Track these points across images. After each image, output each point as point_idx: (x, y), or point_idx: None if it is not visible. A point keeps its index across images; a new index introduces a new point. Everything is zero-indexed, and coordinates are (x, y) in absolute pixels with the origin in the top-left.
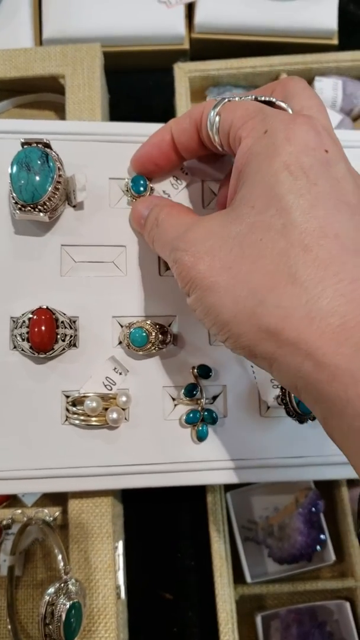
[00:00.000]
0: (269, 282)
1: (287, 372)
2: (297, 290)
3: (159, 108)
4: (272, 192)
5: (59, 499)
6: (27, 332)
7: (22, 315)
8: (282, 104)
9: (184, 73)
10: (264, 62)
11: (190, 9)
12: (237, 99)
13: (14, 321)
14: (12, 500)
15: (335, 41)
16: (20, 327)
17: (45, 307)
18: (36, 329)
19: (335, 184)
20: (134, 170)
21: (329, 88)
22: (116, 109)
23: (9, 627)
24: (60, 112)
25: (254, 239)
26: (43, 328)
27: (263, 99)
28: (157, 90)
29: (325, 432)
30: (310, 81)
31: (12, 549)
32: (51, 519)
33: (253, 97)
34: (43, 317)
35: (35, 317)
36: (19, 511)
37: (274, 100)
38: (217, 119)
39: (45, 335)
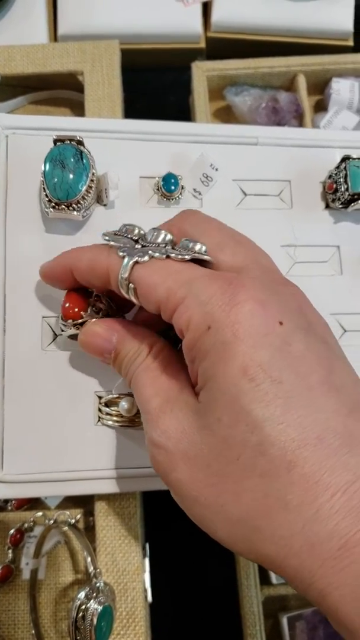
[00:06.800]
0: (260, 507)
1: (294, 587)
2: (291, 516)
3: (173, 106)
4: (236, 404)
5: (80, 501)
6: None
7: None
8: (206, 257)
9: (202, 72)
10: (282, 63)
11: (206, 8)
12: (146, 258)
13: (47, 323)
14: (33, 503)
15: (350, 42)
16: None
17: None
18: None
19: (301, 365)
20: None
21: (346, 89)
22: (130, 107)
23: (33, 631)
24: (76, 109)
25: (231, 456)
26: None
27: (180, 257)
28: (172, 88)
29: None
30: (326, 82)
31: (35, 551)
32: (73, 521)
33: (164, 250)
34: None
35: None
36: (40, 514)
37: (192, 257)
38: (131, 286)
39: (74, 301)
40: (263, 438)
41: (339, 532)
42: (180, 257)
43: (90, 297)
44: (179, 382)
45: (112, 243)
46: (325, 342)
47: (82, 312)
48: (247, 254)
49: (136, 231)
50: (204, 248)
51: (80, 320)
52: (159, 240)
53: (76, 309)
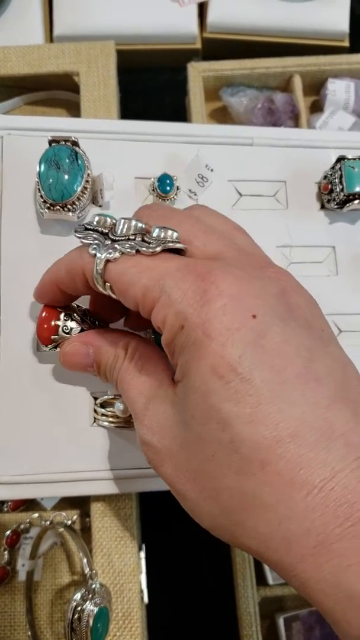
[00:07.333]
0: (237, 503)
1: (279, 575)
2: (267, 514)
3: (169, 107)
4: (207, 402)
5: (77, 502)
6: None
7: None
8: (178, 245)
9: (197, 72)
10: (278, 63)
11: (202, 9)
12: (117, 254)
13: None
14: (29, 504)
15: (346, 43)
16: None
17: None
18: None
19: (274, 359)
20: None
21: (341, 90)
22: (126, 108)
23: (29, 633)
24: (72, 110)
25: (206, 453)
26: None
27: (150, 251)
28: (168, 89)
29: None
30: (322, 82)
31: (32, 553)
32: (69, 522)
33: (134, 243)
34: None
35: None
36: (36, 515)
37: (163, 248)
38: (107, 285)
39: (43, 323)
40: (234, 436)
41: (316, 529)
42: (150, 250)
43: (59, 317)
44: (157, 376)
45: (82, 241)
46: (309, 328)
47: (52, 336)
48: (220, 241)
49: (108, 222)
50: (175, 235)
51: (52, 344)
52: (131, 231)
53: (45, 332)
